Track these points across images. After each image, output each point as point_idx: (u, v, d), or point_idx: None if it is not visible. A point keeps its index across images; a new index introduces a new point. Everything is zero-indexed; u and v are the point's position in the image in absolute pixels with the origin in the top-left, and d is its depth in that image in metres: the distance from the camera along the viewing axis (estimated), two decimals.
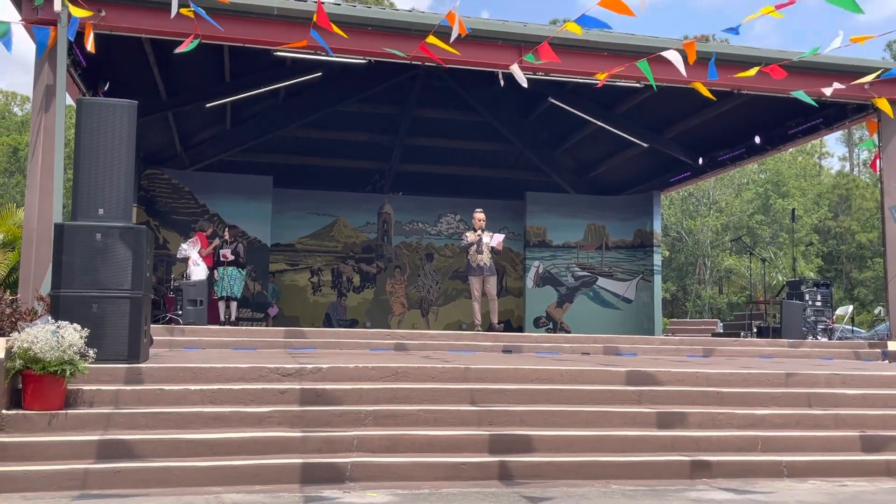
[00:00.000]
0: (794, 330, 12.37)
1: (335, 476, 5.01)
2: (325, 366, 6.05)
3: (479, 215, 12.16)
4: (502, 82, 9.88)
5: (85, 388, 5.41)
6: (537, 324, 19.02)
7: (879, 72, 9.63)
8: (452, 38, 7.36)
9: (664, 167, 18.53)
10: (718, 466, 5.52)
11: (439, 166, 20.25)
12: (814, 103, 7.63)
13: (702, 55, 9.65)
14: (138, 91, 11.91)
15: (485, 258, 11.86)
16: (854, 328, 19.02)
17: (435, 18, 10.78)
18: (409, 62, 8.61)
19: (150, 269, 6.42)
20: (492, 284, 11.93)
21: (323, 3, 8.20)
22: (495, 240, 11.93)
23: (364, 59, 11.68)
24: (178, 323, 11.47)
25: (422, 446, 5.37)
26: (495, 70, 10.62)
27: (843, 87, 8.87)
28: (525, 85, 8.42)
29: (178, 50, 8.52)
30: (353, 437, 5.32)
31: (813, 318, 13.50)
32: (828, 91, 8.82)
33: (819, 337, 13.21)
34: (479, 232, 11.96)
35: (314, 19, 7.50)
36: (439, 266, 20.37)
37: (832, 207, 41.09)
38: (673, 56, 6.93)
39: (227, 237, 13.37)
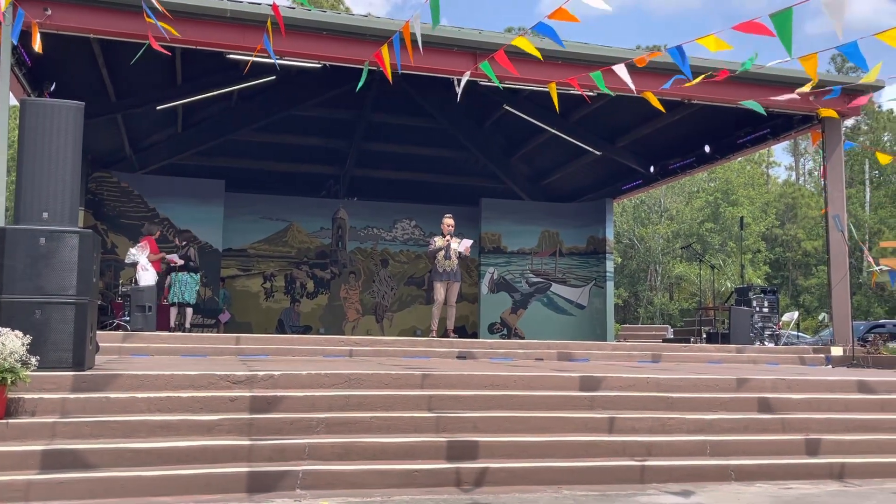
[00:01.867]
0: (742, 335, 12.62)
1: (286, 484, 4.95)
2: (276, 373, 5.98)
3: (449, 220, 12.12)
4: (458, 90, 9.92)
5: (27, 396, 5.25)
6: (492, 330, 19.08)
7: (820, 88, 9.90)
8: (406, 49, 7.34)
9: (617, 175, 18.79)
10: (668, 471, 5.60)
11: (395, 172, 20.19)
12: (764, 112, 7.82)
13: (657, 65, 9.84)
14: (86, 92, 11.69)
15: (452, 264, 11.83)
16: (799, 334, 19.49)
17: (390, 24, 10.78)
18: (363, 67, 8.60)
19: (96, 275, 6.27)
20: (454, 291, 11.92)
21: (279, 6, 8.14)
22: (463, 245, 11.92)
23: (319, 63, 11.62)
24: (126, 329, 11.24)
25: (375, 453, 5.34)
26: (451, 77, 10.65)
27: (793, 97, 9.09)
28: (460, 96, 8.47)
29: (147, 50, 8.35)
30: (305, 444, 5.27)
31: (760, 323, 13.80)
32: (779, 99, 9.05)
33: (766, 342, 13.50)
34: (448, 237, 11.93)
35: (268, 28, 7.42)
36: (394, 272, 20.30)
37: (779, 216, 42.14)
38: (622, 70, 7.01)
39: (177, 242, 13.16)
